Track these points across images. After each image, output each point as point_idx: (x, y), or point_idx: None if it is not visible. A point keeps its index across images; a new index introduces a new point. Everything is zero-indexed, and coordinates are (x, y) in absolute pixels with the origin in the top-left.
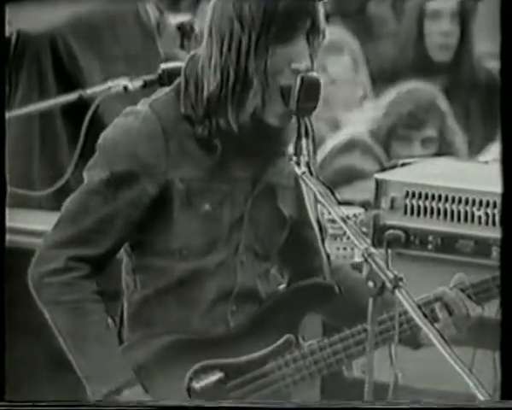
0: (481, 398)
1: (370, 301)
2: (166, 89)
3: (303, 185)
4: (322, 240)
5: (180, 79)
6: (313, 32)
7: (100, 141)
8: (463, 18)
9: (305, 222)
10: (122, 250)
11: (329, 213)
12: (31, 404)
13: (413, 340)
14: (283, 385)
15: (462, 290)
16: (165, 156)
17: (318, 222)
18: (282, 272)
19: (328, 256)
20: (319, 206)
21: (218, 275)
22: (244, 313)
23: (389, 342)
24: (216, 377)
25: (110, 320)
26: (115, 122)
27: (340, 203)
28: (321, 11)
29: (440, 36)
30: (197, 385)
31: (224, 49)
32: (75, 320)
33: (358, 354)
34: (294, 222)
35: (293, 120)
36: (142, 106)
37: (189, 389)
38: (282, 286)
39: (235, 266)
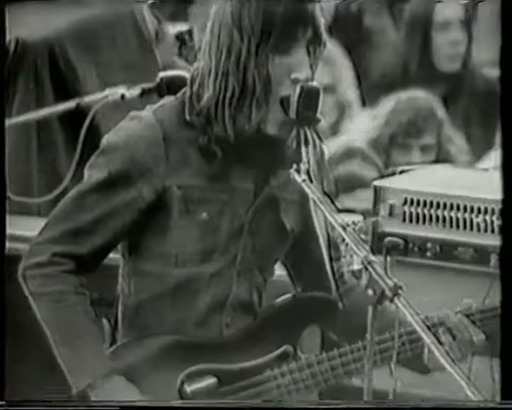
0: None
1: (370, 309)
2: (172, 97)
3: (311, 202)
4: (330, 258)
5: (186, 88)
6: (314, 42)
7: (102, 142)
8: (469, 25)
9: (310, 237)
10: (119, 255)
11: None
12: (30, 404)
13: (419, 364)
14: (277, 395)
15: (468, 316)
16: (164, 162)
17: (328, 240)
18: (294, 283)
19: (334, 274)
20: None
21: (213, 284)
22: (238, 325)
23: (389, 361)
24: (209, 382)
25: (94, 313)
26: (119, 125)
27: (339, 211)
28: (322, 21)
29: (450, 46)
30: (189, 389)
31: (223, 59)
32: (57, 311)
33: (357, 371)
34: (298, 236)
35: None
36: (147, 112)
37: (181, 392)
38: (281, 298)
39: (231, 277)
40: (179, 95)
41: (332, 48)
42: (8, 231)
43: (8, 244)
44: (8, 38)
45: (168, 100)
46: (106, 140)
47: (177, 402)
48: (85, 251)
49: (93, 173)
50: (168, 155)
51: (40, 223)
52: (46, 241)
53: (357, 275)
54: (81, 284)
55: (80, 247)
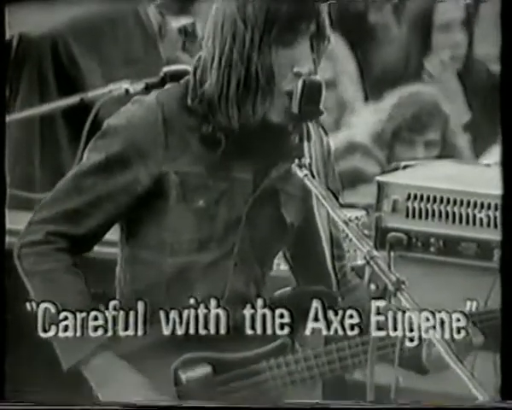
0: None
1: (372, 304)
2: (176, 83)
3: (314, 198)
4: (333, 256)
5: (189, 76)
6: (318, 37)
7: (103, 125)
8: (470, 24)
9: (311, 234)
10: (118, 244)
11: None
12: (31, 404)
13: (418, 365)
14: (273, 386)
15: (468, 317)
16: (162, 147)
17: (331, 238)
18: (296, 277)
19: (336, 273)
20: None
21: (209, 275)
22: (234, 317)
23: (387, 359)
24: (203, 370)
25: (88, 292)
26: (121, 109)
27: (341, 206)
28: (326, 16)
29: (451, 48)
30: (183, 376)
31: (227, 48)
32: (48, 289)
33: (354, 366)
34: (299, 231)
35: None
36: (150, 96)
37: (175, 379)
38: (280, 291)
39: (227, 268)
40: (183, 81)
41: (334, 43)
42: (10, 226)
43: (9, 239)
44: (11, 34)
45: (172, 85)
46: (107, 123)
47: (178, 403)
48: (79, 232)
49: (91, 156)
50: (167, 140)
51: None
52: (41, 220)
53: (359, 273)
54: (74, 263)
55: (74, 227)
